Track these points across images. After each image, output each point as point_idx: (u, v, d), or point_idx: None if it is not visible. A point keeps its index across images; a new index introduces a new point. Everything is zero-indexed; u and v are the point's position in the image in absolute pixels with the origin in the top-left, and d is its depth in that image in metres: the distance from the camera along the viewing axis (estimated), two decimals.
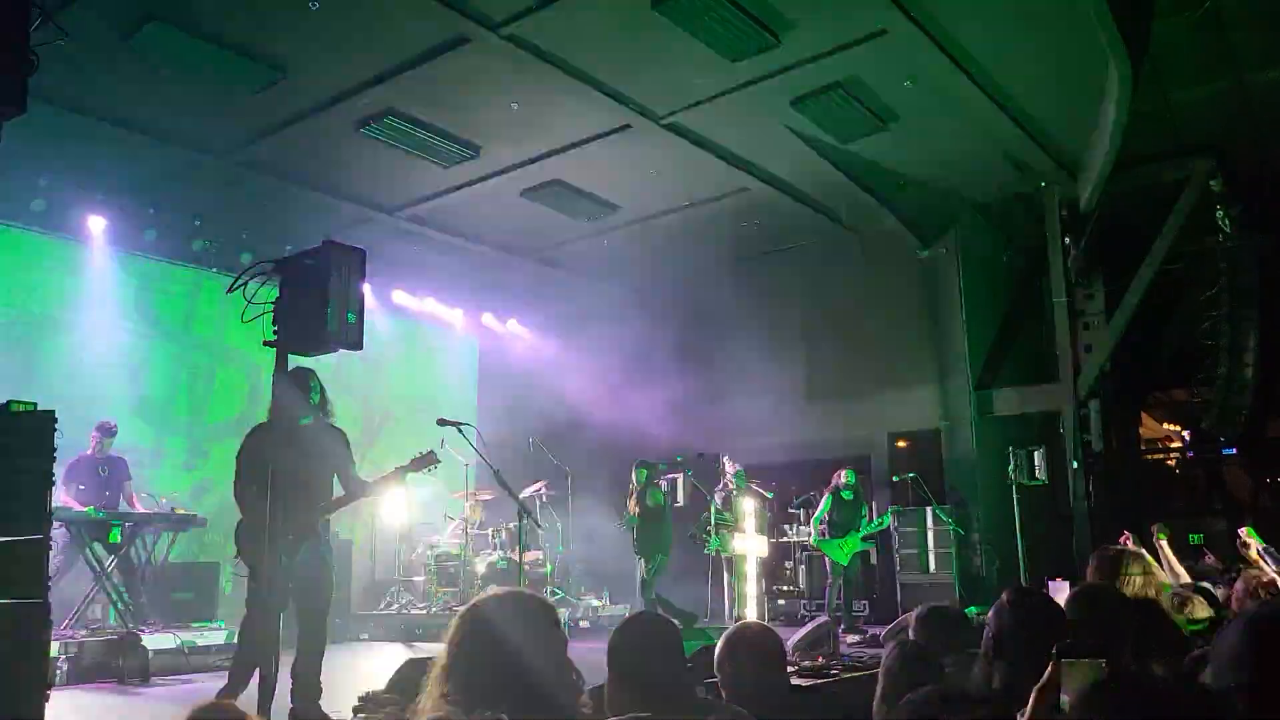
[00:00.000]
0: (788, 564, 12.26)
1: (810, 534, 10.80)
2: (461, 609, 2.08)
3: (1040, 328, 12.20)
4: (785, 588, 12.18)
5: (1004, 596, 2.78)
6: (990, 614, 2.75)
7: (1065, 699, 2.11)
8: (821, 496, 10.65)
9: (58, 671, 7.23)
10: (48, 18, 3.63)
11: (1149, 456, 15.52)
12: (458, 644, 2.01)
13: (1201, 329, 11.45)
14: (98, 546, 8.39)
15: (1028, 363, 12.41)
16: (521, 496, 11.74)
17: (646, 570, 9.64)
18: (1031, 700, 2.21)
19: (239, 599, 5.82)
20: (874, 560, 11.64)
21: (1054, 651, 2.16)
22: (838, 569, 10.27)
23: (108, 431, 8.85)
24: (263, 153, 9.60)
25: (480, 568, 10.80)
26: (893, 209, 11.53)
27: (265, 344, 4.36)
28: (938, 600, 6.00)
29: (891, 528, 11.09)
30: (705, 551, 10.54)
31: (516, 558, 9.17)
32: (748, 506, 10.58)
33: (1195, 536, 11.30)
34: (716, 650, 3.17)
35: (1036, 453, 10.89)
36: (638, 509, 9.69)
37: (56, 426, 5.16)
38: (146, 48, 7.67)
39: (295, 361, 4.52)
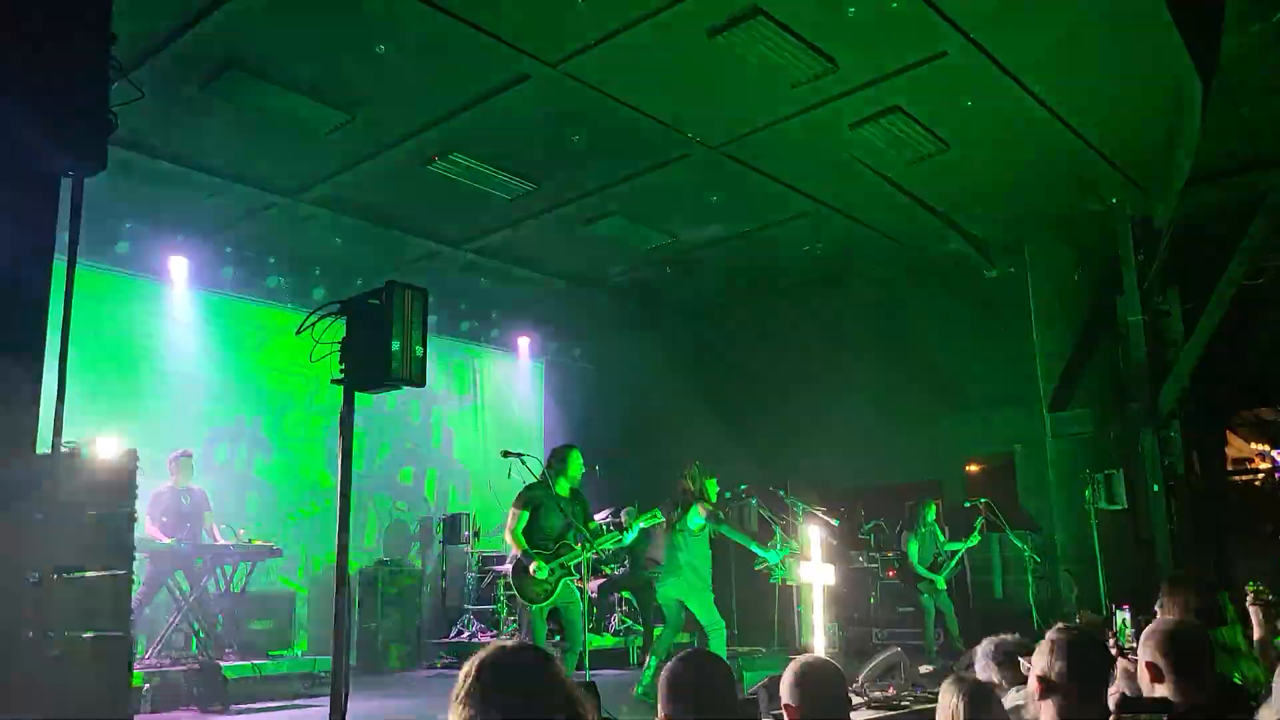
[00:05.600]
0: (858, 592, 12.05)
1: (875, 559, 10.58)
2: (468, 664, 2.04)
3: (1116, 347, 11.86)
4: (856, 616, 11.98)
5: (1049, 636, 2.73)
6: (1036, 653, 2.70)
7: None
8: (902, 535, 10.43)
9: (142, 698, 7.48)
10: (124, 74, 3.80)
11: (1236, 478, 14.96)
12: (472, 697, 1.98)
13: None
14: (180, 576, 8.65)
15: (1103, 383, 12.04)
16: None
17: None
18: None
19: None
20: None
21: (1116, 705, 2.12)
22: (931, 605, 10.02)
23: (187, 461, 9.12)
24: (334, 191, 9.88)
25: None
26: (959, 230, 11.36)
27: (333, 382, 4.48)
28: (1012, 630, 5.86)
29: (964, 556, 10.85)
30: (771, 581, 10.44)
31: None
32: (814, 534, 10.45)
33: None
34: (781, 682, 3.17)
35: (1115, 476, 10.56)
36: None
37: (138, 463, 5.35)
38: (223, 95, 7.98)
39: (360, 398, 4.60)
